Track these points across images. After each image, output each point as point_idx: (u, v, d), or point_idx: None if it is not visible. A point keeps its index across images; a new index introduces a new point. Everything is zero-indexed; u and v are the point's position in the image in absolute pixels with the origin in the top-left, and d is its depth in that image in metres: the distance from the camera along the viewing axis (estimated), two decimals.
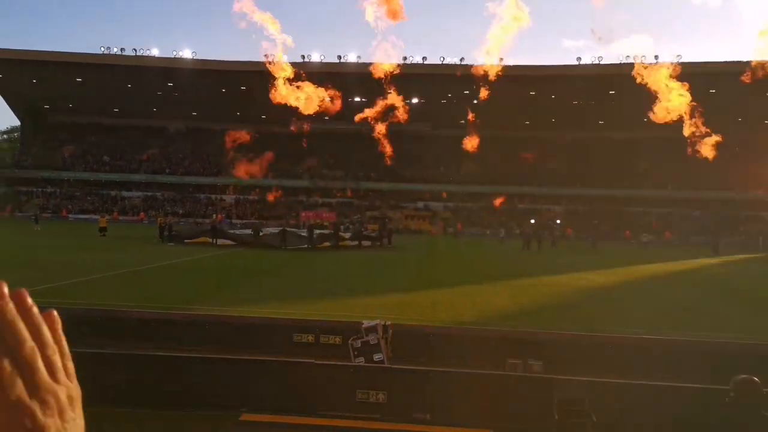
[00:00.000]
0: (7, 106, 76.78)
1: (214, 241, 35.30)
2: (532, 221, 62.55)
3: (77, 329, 11.12)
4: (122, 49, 64.53)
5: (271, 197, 59.17)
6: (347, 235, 39.72)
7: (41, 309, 0.51)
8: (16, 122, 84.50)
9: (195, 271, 23.02)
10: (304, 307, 14.55)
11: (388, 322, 10.14)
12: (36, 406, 0.53)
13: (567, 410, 7.56)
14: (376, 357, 9.33)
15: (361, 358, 9.29)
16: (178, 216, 62.43)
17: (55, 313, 0.59)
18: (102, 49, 64.50)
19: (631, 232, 56.64)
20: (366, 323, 9.78)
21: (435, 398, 8.21)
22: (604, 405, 7.56)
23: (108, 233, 38.64)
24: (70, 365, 0.59)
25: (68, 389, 0.57)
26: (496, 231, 53.89)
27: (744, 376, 4.76)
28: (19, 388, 0.52)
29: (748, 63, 55.50)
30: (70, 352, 0.53)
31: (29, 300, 0.56)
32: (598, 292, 19.77)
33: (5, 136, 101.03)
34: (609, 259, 33.43)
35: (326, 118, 75.39)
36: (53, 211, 64.94)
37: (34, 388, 0.53)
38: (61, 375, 0.57)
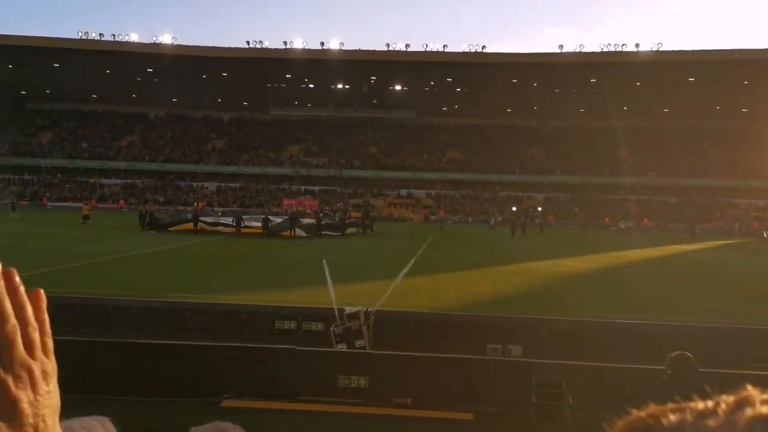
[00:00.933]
0: None
1: (196, 228, 35.07)
2: (514, 209, 62.99)
3: (56, 317, 11.07)
4: (101, 35, 63.41)
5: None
6: (330, 222, 39.73)
7: (28, 291, 0.55)
8: None
9: (176, 259, 22.92)
10: (286, 294, 14.58)
11: (371, 309, 10.23)
12: (9, 379, 0.56)
13: (544, 393, 7.73)
14: (358, 343, 9.42)
15: (343, 344, 9.38)
16: (159, 204, 61.86)
17: (42, 292, 0.63)
18: (80, 34, 63.29)
19: (610, 219, 57.30)
20: (348, 309, 9.86)
21: (416, 383, 8.34)
22: (581, 388, 7.73)
23: (94, 221, 38.43)
24: (50, 342, 0.62)
25: (44, 365, 0.60)
26: (487, 219, 53.93)
27: (678, 352, 4.92)
28: None
29: (727, 51, 56.32)
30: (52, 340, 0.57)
31: (17, 279, 0.60)
32: (577, 279, 20.05)
33: None
34: (590, 245, 33.83)
35: (308, 105, 75.35)
36: (31, 199, 63.99)
37: (9, 362, 0.56)
38: (38, 351, 0.60)
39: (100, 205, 61.54)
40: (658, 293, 17.18)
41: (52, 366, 0.62)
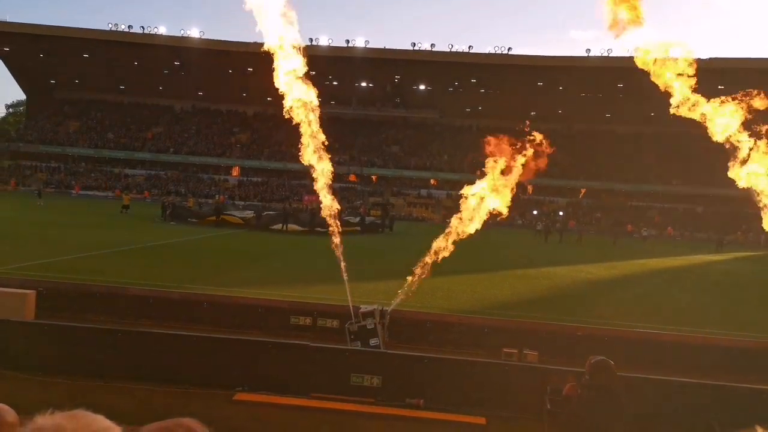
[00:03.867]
0: (13, 80, 76.59)
1: (218, 219, 35.25)
2: (535, 212, 62.52)
3: (77, 304, 11.20)
4: (130, 27, 64.29)
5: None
6: (354, 220, 39.62)
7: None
8: (22, 96, 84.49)
9: (195, 251, 23.10)
10: (302, 289, 14.60)
11: (386, 308, 10.17)
12: None
13: (559, 400, 7.59)
14: (372, 342, 9.37)
15: (357, 342, 9.34)
16: (181, 195, 62.46)
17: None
18: (110, 25, 64.29)
19: (633, 227, 56.53)
20: (363, 308, 9.81)
21: (429, 384, 8.26)
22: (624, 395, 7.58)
23: (112, 209, 39.33)
24: None
25: None
26: (530, 222, 53.11)
27: (599, 358, 4.83)
28: None
29: (761, 59, 55.21)
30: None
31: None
32: (598, 286, 19.79)
33: (11, 109, 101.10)
34: (617, 253, 33.37)
35: (332, 102, 75.51)
36: (57, 187, 65.01)
37: None
38: None
39: (124, 195, 62.30)
40: (683, 304, 16.88)
41: None
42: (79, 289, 12.03)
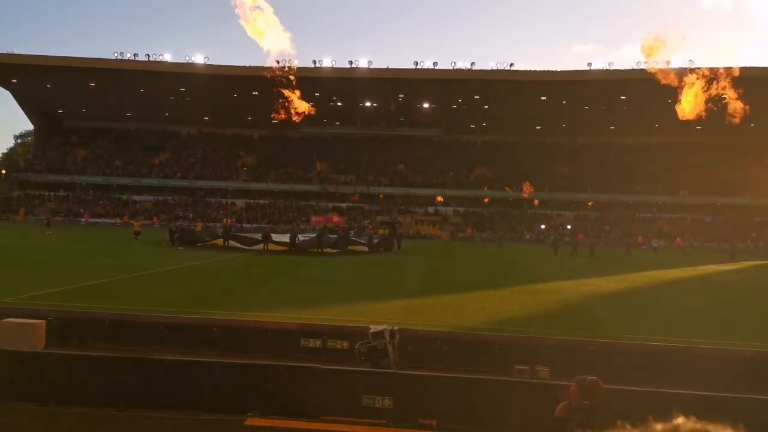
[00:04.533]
0: (21, 111, 77.49)
1: (226, 244, 35.36)
2: (543, 227, 62.37)
3: (86, 333, 11.21)
4: (135, 55, 65.06)
5: None
6: (363, 240, 39.63)
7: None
8: (30, 126, 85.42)
9: (204, 275, 23.12)
10: (311, 311, 14.56)
11: (396, 327, 10.12)
12: None
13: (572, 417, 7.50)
14: (383, 362, 9.32)
15: (368, 363, 9.28)
16: (189, 220, 62.71)
17: None
18: (115, 54, 65.05)
19: (643, 238, 56.22)
20: (373, 328, 9.77)
21: (442, 404, 8.19)
22: (611, 412, 7.49)
23: (121, 236, 39.41)
24: None
25: None
26: (540, 235, 52.77)
27: (586, 378, 4.76)
28: None
29: (762, 68, 55.15)
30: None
31: None
32: (608, 299, 19.63)
33: (19, 140, 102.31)
34: (630, 265, 33.15)
35: (337, 123, 75.95)
36: (65, 215, 65.43)
37: None
38: None
39: (131, 221, 62.65)
40: (700, 315, 16.72)
41: None
42: (89, 317, 12.04)
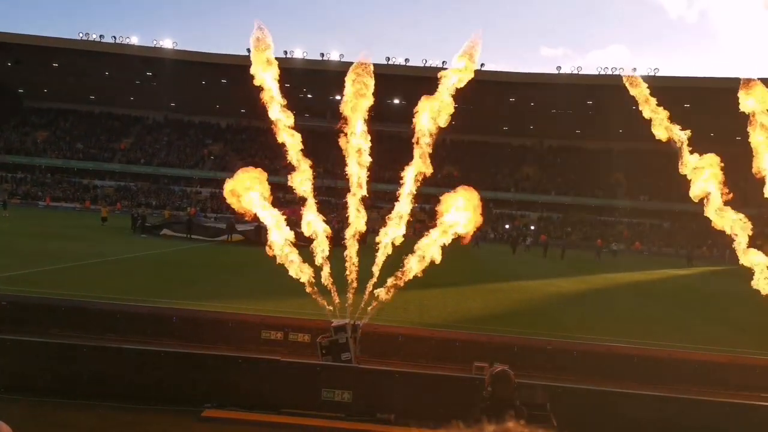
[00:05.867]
0: None
1: (188, 236, 34.79)
2: (507, 227, 63.15)
3: (42, 319, 10.93)
4: (101, 36, 63.44)
5: None
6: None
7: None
8: None
9: (165, 264, 22.76)
10: (273, 303, 14.47)
11: (358, 322, 10.13)
12: None
13: (529, 414, 7.63)
14: (344, 356, 9.31)
15: (329, 357, 9.27)
16: (152, 208, 61.56)
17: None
18: (80, 35, 63.33)
19: (603, 241, 57.39)
20: (335, 322, 9.76)
21: (400, 399, 8.24)
22: (566, 410, 7.65)
23: (83, 221, 38.67)
24: None
25: None
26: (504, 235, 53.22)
27: (499, 368, 4.87)
28: None
29: (722, 79, 56.75)
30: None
31: None
32: (569, 300, 20.00)
33: None
34: (592, 268, 33.79)
35: (306, 115, 75.37)
36: (23, 198, 63.57)
37: None
38: None
39: (93, 207, 61.22)
40: (653, 318, 17.15)
41: None
42: (44, 302, 11.75)
